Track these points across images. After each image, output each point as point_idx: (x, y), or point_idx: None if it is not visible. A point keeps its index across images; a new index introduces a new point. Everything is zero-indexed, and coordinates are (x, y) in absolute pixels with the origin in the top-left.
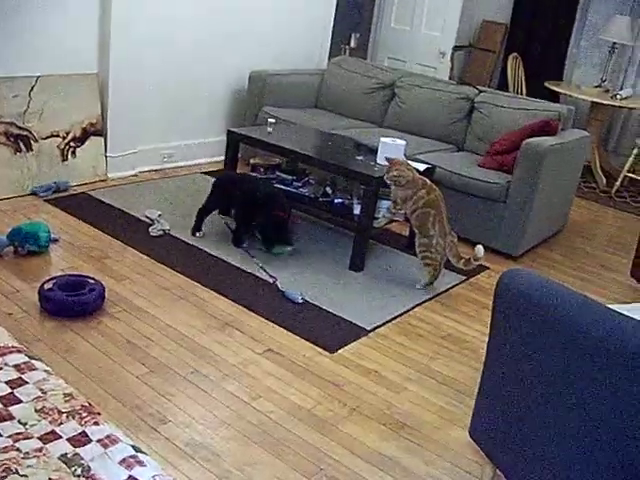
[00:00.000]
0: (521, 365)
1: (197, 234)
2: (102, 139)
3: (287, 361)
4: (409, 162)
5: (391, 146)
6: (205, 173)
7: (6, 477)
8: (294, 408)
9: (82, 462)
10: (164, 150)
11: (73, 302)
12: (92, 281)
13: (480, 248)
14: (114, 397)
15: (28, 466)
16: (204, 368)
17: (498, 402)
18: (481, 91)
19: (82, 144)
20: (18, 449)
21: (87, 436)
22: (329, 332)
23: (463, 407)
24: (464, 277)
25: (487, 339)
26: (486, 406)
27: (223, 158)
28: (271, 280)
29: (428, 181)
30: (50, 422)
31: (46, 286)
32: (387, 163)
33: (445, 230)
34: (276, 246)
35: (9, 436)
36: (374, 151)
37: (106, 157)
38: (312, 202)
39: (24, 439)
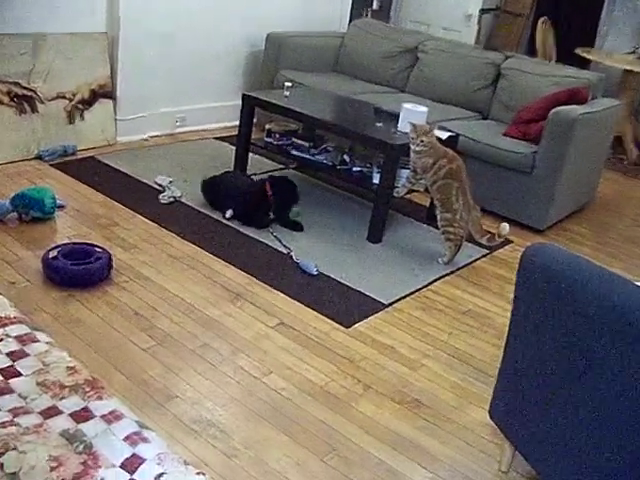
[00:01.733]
0: (544, 343)
1: (227, 214)
2: (111, 102)
3: (300, 335)
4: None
5: (413, 113)
6: (219, 138)
7: (4, 453)
8: (307, 385)
9: (84, 439)
10: (176, 114)
11: (78, 271)
12: (99, 250)
13: (505, 226)
14: (119, 371)
15: (27, 442)
16: (214, 342)
17: (520, 381)
18: (508, 57)
19: (90, 106)
20: (17, 424)
21: (90, 411)
22: (344, 306)
23: (482, 386)
24: (487, 251)
25: (509, 315)
26: (507, 386)
27: (238, 123)
28: (285, 251)
29: (450, 150)
30: (52, 397)
31: (51, 254)
32: (409, 130)
33: (469, 204)
34: (290, 215)
35: (9, 410)
36: (395, 118)
37: (115, 120)
38: (329, 170)
39: (24, 414)
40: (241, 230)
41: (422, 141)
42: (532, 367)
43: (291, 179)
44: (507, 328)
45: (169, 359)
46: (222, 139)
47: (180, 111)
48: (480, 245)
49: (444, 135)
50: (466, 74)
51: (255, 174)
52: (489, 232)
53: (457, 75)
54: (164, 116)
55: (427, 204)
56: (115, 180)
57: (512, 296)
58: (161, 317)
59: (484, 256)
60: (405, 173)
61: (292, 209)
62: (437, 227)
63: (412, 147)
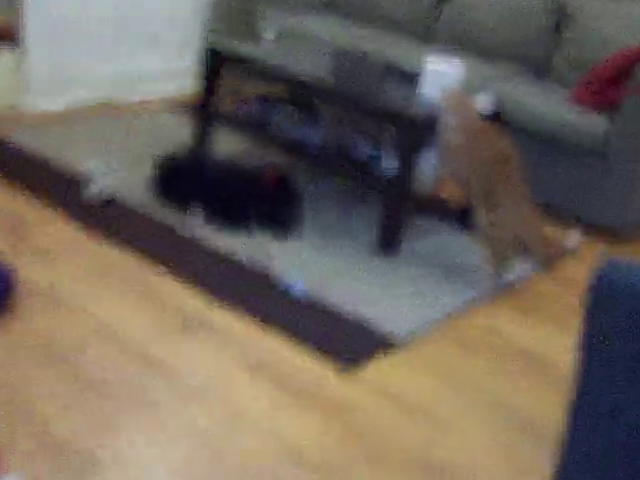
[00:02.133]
0: (638, 400)
1: (189, 211)
2: (16, 52)
3: (280, 382)
4: (467, 94)
5: (441, 72)
6: (171, 109)
7: None
8: (288, 451)
9: None
10: (112, 75)
11: None
12: None
13: (575, 234)
14: (25, 432)
15: None
16: (158, 389)
17: (598, 454)
18: None
19: None
20: None
21: None
22: (343, 341)
23: (540, 457)
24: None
25: (576, 357)
26: (578, 459)
27: (198, 88)
28: (261, 265)
29: (495, 127)
30: None
31: None
32: (438, 96)
33: (521, 202)
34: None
35: None
36: (415, 79)
37: (23, 80)
38: (324, 153)
39: None
40: (203, 237)
41: (455, 113)
42: (619, 436)
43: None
44: (573, 375)
45: (95, 414)
46: (176, 110)
47: (118, 71)
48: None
49: (486, 105)
50: (518, 18)
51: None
52: (551, 241)
53: (505, 19)
54: (95, 77)
55: (461, 200)
56: (24, 165)
57: (580, 329)
58: (86, 356)
59: (540, 272)
60: (431, 157)
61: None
62: (474, 232)
63: (441, 121)
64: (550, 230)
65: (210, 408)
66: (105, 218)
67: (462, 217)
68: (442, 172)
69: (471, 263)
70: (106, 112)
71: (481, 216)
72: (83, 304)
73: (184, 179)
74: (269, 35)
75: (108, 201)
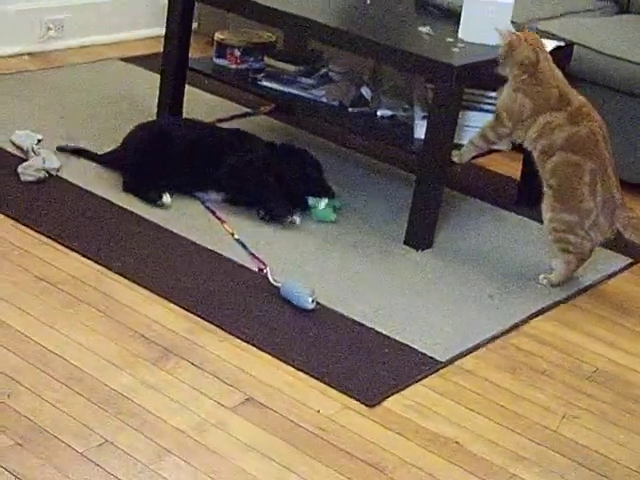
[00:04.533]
0: None
1: (161, 200)
2: None
3: (283, 422)
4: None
5: (486, 5)
6: (128, 59)
7: None
8: None
9: None
10: (49, 14)
11: None
12: None
13: None
14: None
15: None
16: (122, 436)
17: None
18: None
19: None
20: None
21: None
22: (365, 366)
23: None
24: (628, 259)
25: None
26: None
27: (162, 31)
28: (256, 267)
29: (577, 96)
30: None
31: None
32: (483, 35)
33: (615, 199)
34: (313, 205)
35: None
36: (453, 16)
37: None
38: (335, 115)
39: None
40: (175, 230)
41: (519, 63)
42: None
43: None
44: None
45: (36, 471)
46: (134, 60)
47: (54, 9)
48: (617, 249)
49: (548, 45)
50: None
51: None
52: None
53: None
54: (27, 16)
55: (517, 175)
56: None
57: None
58: (23, 393)
59: (622, 269)
60: (476, 119)
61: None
62: (539, 221)
63: (499, 71)
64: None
65: (187, 461)
66: (47, 206)
67: (518, 198)
68: (494, 143)
69: (532, 258)
70: (44, 65)
71: (553, 215)
72: (18, 324)
73: (170, 152)
74: None
75: (45, 179)
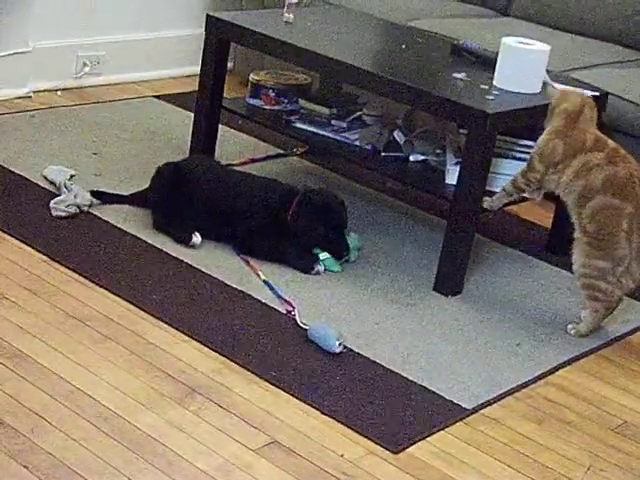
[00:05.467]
0: None
1: (192, 241)
2: None
3: (307, 466)
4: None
5: (522, 54)
6: (162, 97)
7: None
8: None
9: None
10: (83, 51)
11: None
12: None
13: None
14: None
15: None
16: (147, 476)
17: None
18: None
19: None
20: None
21: None
22: (391, 412)
23: None
24: None
25: None
26: None
27: (198, 70)
28: (284, 309)
29: (611, 141)
30: None
31: None
32: (518, 82)
33: None
34: (320, 257)
35: None
36: (488, 63)
37: None
38: (367, 160)
39: None
40: (205, 270)
41: (564, 111)
42: None
43: (336, 194)
44: None
45: None
46: (169, 98)
47: (90, 46)
48: None
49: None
50: None
51: (231, 164)
52: None
53: None
54: (62, 54)
55: (548, 224)
56: None
57: None
58: (49, 430)
59: None
60: (510, 167)
61: (347, 254)
62: (569, 269)
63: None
64: None
65: None
66: (77, 242)
67: (548, 246)
68: (523, 190)
69: (559, 307)
70: (78, 100)
71: (585, 260)
72: (45, 361)
73: (189, 195)
74: (292, 3)
75: (76, 215)
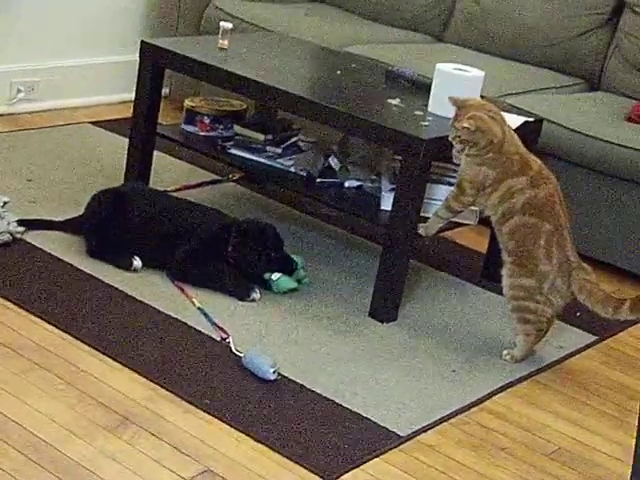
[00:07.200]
0: None
1: (133, 265)
2: None
3: None
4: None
5: (457, 80)
6: (97, 123)
7: None
8: None
9: None
10: (16, 77)
11: None
12: None
13: None
14: None
15: None
16: None
17: None
18: None
19: None
20: None
21: None
22: (325, 439)
23: None
24: (594, 336)
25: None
26: None
27: (132, 96)
28: (219, 336)
29: (535, 160)
30: None
31: None
32: (452, 108)
33: (570, 261)
34: (274, 281)
35: None
36: (423, 89)
37: None
38: (302, 185)
39: None
40: (139, 297)
41: (464, 127)
42: None
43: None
44: None
45: None
46: (104, 124)
47: (24, 72)
48: (581, 326)
49: (516, 122)
50: (559, 8)
51: (167, 191)
52: (624, 299)
53: (541, 9)
54: None
55: (484, 249)
56: None
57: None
58: None
59: (588, 346)
60: (442, 192)
61: (296, 268)
62: (501, 293)
63: (455, 143)
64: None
65: None
66: (9, 270)
67: (484, 272)
68: (458, 212)
69: (495, 333)
70: (12, 127)
71: (512, 280)
72: None
73: (127, 221)
74: (227, 29)
75: (9, 242)
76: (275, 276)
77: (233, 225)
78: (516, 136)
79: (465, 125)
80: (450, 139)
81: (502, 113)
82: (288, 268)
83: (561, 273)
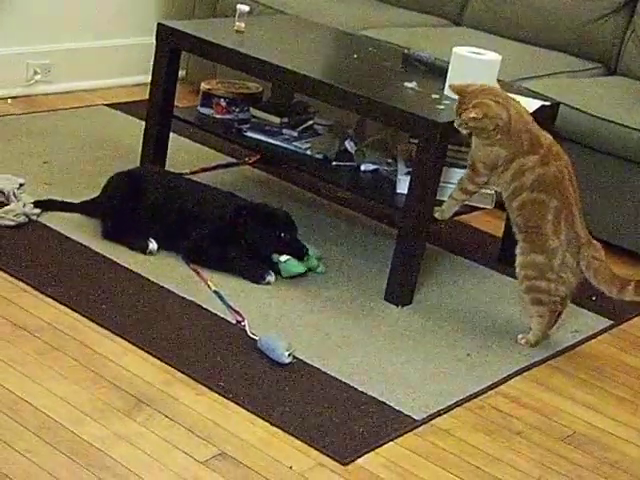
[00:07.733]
0: None
1: (149, 248)
2: None
3: (254, 478)
4: (508, 94)
5: (473, 63)
6: (113, 105)
7: None
8: None
9: None
10: (33, 59)
11: None
12: None
13: None
14: None
15: None
16: None
17: None
18: None
19: None
20: None
21: None
22: (340, 423)
23: None
24: (609, 321)
25: None
26: None
27: (148, 78)
28: (234, 319)
29: (547, 136)
30: None
31: None
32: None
33: (579, 237)
34: (282, 263)
35: None
36: (440, 72)
37: None
38: (318, 168)
39: None
40: (154, 280)
41: (472, 117)
42: None
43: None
44: None
45: None
46: (120, 107)
47: (41, 53)
48: (598, 310)
49: (532, 104)
50: None
51: (183, 173)
52: (629, 280)
53: None
54: (10, 62)
55: (500, 233)
56: None
57: None
58: None
59: (604, 331)
60: (458, 176)
61: (309, 254)
62: (516, 276)
63: (457, 126)
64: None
65: None
66: (25, 252)
67: (500, 256)
68: (473, 194)
69: (511, 318)
70: (27, 109)
71: (523, 259)
72: None
73: (142, 204)
74: (243, 12)
75: (24, 224)
76: (283, 258)
77: (247, 208)
78: (525, 112)
79: (472, 115)
80: (456, 126)
81: (508, 94)
82: (298, 253)
83: (570, 249)
